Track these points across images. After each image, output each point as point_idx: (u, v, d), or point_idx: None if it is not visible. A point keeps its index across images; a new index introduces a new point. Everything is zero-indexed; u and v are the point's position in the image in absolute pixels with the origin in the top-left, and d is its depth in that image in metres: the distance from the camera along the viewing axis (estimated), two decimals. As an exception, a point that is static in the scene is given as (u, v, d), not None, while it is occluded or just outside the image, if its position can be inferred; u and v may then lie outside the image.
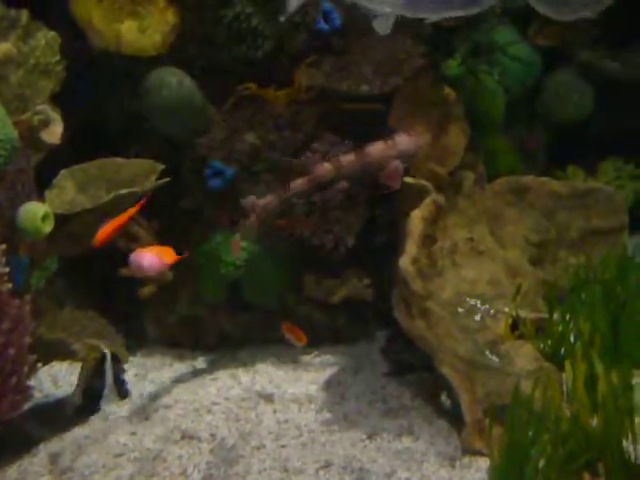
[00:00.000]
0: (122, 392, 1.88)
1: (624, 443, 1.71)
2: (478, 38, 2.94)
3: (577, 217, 2.58)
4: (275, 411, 2.34)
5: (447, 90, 2.69)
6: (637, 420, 1.74)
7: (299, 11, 2.58)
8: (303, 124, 2.68)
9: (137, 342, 2.79)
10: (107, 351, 1.88)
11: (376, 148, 2.43)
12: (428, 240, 2.44)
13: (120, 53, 2.60)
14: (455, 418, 2.18)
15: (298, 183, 2.43)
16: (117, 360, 1.87)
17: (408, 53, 2.64)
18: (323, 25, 2.64)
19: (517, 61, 3.01)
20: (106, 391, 1.86)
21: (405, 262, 2.31)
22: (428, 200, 2.45)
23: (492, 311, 2.36)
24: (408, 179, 2.49)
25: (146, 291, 2.69)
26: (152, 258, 2.18)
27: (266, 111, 2.69)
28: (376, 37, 2.38)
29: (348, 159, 2.43)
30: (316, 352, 2.72)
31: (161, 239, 2.67)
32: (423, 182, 2.50)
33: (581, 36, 3.09)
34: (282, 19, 2.42)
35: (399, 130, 2.50)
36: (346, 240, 2.63)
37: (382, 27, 2.24)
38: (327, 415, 2.31)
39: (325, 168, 2.43)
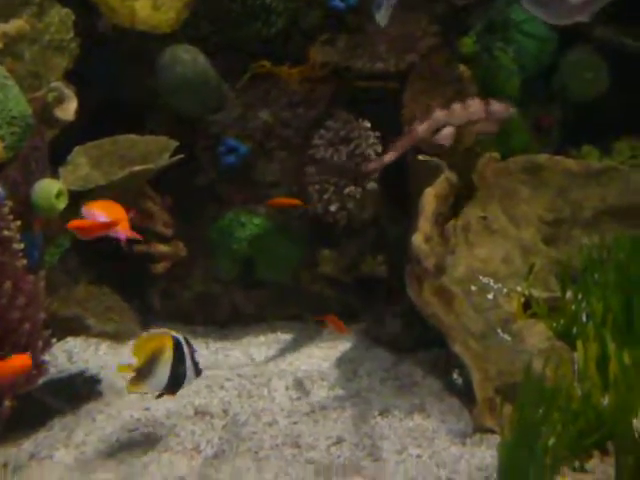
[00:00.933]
0: (197, 370, 1.96)
1: (634, 422, 1.71)
2: (493, 15, 2.91)
3: (591, 196, 2.57)
4: (287, 387, 2.35)
5: (462, 68, 2.68)
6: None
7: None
8: (317, 101, 2.68)
9: (150, 318, 2.81)
10: (179, 335, 1.94)
11: (476, 102, 2.51)
12: (441, 218, 2.44)
13: (134, 30, 2.60)
14: (466, 396, 2.19)
15: (423, 126, 2.48)
16: (188, 342, 1.95)
17: (423, 31, 2.62)
18: (338, 3, 2.62)
19: (532, 38, 2.98)
20: (188, 373, 1.94)
21: (418, 239, 2.31)
22: (442, 178, 2.44)
23: (505, 290, 2.36)
24: (421, 156, 2.50)
25: (159, 267, 2.70)
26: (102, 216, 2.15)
27: (280, 88, 2.69)
28: (391, 15, 2.38)
29: (458, 108, 2.50)
30: (328, 329, 2.72)
31: (174, 215, 2.69)
32: (437, 159, 2.49)
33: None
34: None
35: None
36: (359, 216, 2.64)
37: (382, 19, 2.26)
38: (339, 392, 2.32)
39: (441, 112, 2.49)
